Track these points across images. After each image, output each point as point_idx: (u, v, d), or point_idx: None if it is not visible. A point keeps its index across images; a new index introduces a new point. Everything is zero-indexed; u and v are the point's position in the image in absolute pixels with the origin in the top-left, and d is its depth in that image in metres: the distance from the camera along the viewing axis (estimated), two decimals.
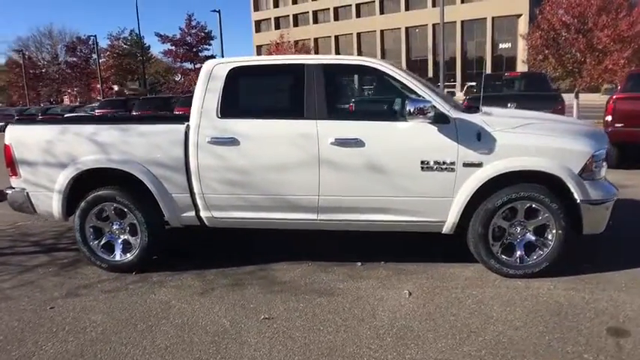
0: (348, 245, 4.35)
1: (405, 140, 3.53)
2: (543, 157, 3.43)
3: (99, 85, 30.95)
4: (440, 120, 3.48)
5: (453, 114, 3.52)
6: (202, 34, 32.31)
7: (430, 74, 42.02)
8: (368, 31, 49.86)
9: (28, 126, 4.03)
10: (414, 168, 3.49)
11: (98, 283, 3.71)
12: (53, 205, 3.83)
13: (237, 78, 3.73)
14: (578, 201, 3.43)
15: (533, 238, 3.58)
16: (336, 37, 51.57)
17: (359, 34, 50.52)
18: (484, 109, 4.01)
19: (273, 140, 3.61)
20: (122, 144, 3.71)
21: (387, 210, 3.62)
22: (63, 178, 3.76)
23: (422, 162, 3.48)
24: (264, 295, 3.42)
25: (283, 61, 3.84)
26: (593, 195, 3.44)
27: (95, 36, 34.85)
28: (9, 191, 3.92)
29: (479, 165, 3.45)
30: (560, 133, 3.55)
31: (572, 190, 3.42)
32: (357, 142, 3.52)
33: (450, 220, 3.56)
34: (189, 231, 4.22)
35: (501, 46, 43.51)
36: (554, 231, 3.50)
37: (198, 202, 3.74)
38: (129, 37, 39.38)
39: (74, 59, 35.14)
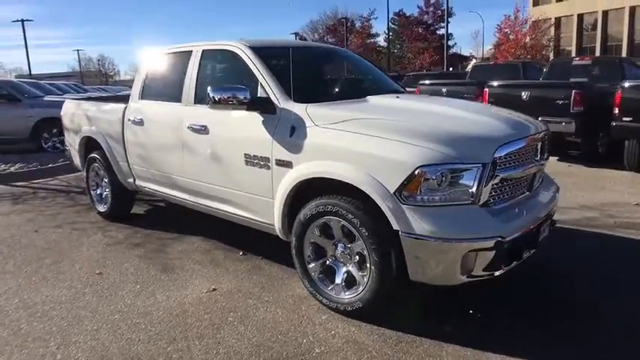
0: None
1: (236, 130, 3.27)
2: (350, 164, 2.59)
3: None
4: (265, 109, 3.06)
5: (283, 104, 3.02)
6: (439, 12, 31.64)
7: None
8: None
9: (68, 102, 5.56)
10: (239, 160, 3.22)
11: (83, 222, 4.94)
12: (77, 160, 5.28)
13: (155, 64, 4.19)
14: (400, 232, 2.45)
15: (349, 268, 2.77)
16: (632, 9, 40.33)
17: None
18: (379, 97, 3.15)
19: (160, 122, 3.94)
20: (96, 119, 4.76)
21: (229, 202, 3.46)
22: (77, 141, 5.12)
23: (245, 155, 3.17)
24: (131, 257, 3.87)
25: (182, 49, 4.00)
26: (417, 227, 2.39)
27: (346, 18, 38.53)
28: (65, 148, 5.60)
29: (288, 165, 2.90)
30: (386, 133, 2.54)
31: (385, 213, 2.47)
32: (204, 130, 3.47)
33: (276, 224, 3.12)
34: None
35: None
36: (368, 264, 2.62)
37: (132, 171, 4.45)
38: (396, 18, 42.06)
39: (335, 39, 40.16)
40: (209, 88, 3.06)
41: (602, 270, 3.42)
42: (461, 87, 9.73)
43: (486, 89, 8.05)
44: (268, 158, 3.01)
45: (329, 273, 2.90)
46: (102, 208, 4.99)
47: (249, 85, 3.24)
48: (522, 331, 2.62)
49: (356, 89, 3.46)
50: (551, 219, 3.13)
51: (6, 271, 3.72)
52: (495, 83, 8.08)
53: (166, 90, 4.00)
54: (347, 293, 2.78)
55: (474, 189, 2.41)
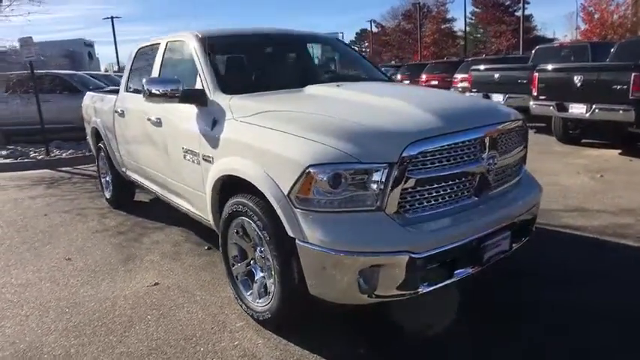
0: None
1: (178, 123, 3.16)
2: (253, 161, 2.36)
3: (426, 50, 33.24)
4: (198, 102, 2.91)
5: (213, 95, 2.84)
6: None
7: None
8: None
9: (87, 95, 5.80)
10: (179, 154, 3.12)
11: (90, 208, 5.19)
12: (92, 149, 5.56)
13: (137, 57, 4.22)
14: (296, 240, 2.18)
15: (264, 274, 2.54)
16: None
17: None
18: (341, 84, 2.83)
19: (133, 114, 3.96)
20: (99, 111, 4.94)
21: (180, 195, 3.39)
22: (89, 130, 5.39)
23: (183, 149, 3.06)
24: (107, 245, 3.98)
25: (155, 41, 3.92)
26: (309, 235, 2.11)
27: (419, 3, 36.46)
28: None
29: (210, 160, 2.73)
30: (290, 127, 2.25)
31: (280, 217, 2.21)
32: (158, 122, 3.41)
33: (210, 221, 2.98)
34: None
35: None
36: (273, 272, 2.38)
37: (122, 161, 4.56)
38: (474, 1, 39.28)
39: (410, 25, 38.59)
40: (143, 81, 2.98)
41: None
42: (515, 72, 8.77)
43: (535, 74, 7.13)
44: (198, 153, 2.87)
45: (251, 277, 2.70)
46: (108, 195, 5.22)
47: (195, 76, 3.11)
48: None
49: (297, 78, 3.16)
50: (520, 229, 2.62)
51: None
52: (547, 67, 7.13)
53: (141, 82, 3.99)
54: (260, 301, 2.56)
55: (377, 193, 2.06)
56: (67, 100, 9.95)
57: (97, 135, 5.26)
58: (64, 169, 7.59)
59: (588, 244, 3.56)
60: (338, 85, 2.90)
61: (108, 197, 5.20)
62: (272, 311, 2.43)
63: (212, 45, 3.13)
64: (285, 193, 2.16)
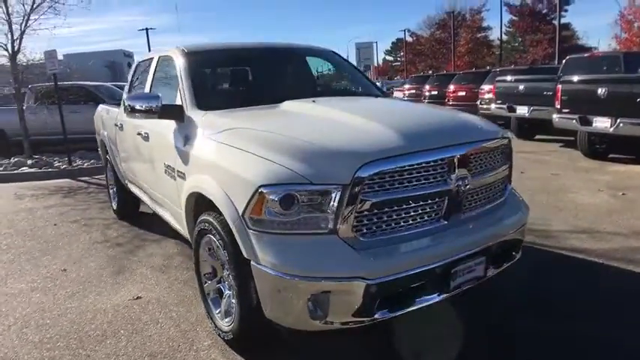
0: None
1: (161, 139, 3.18)
2: (214, 179, 2.33)
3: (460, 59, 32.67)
4: (177, 118, 2.93)
5: (189, 111, 2.85)
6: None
7: None
8: None
9: (99, 107, 5.99)
10: (162, 169, 3.14)
11: (97, 219, 5.33)
12: (102, 157, 5.73)
13: (137, 71, 4.31)
14: (252, 262, 2.13)
15: (230, 293, 2.50)
16: None
17: None
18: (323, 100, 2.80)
19: (128, 127, 4.03)
20: (105, 123, 5.09)
21: (166, 210, 3.41)
22: (99, 141, 5.55)
23: (164, 164, 3.08)
24: (103, 257, 4.06)
25: (149, 55, 3.99)
26: (261, 257, 2.05)
27: (453, 12, 35.77)
28: None
29: (183, 176, 2.73)
30: (251, 145, 2.21)
31: (236, 237, 2.17)
32: (147, 137, 3.46)
33: (188, 236, 2.97)
34: None
35: None
36: (234, 293, 2.33)
37: (123, 173, 4.66)
38: (509, 9, 38.28)
39: (444, 34, 38.00)
40: (124, 96, 3.04)
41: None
42: (540, 83, 8.44)
43: (559, 86, 6.82)
44: (174, 168, 2.88)
45: (221, 295, 2.67)
46: (114, 206, 5.35)
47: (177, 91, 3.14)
48: None
49: (277, 93, 3.10)
50: (501, 254, 2.48)
51: (1, 260, 4.18)
52: (571, 78, 6.81)
53: None
54: (226, 320, 2.52)
55: (330, 216, 1.98)
56: (93, 110, 10.34)
57: (104, 147, 5.43)
58: (83, 178, 7.86)
59: (589, 269, 3.33)
60: (314, 101, 2.84)
61: (114, 208, 5.33)
62: (234, 332, 2.39)
63: (196, 60, 3.17)
64: (240, 213, 2.12)
